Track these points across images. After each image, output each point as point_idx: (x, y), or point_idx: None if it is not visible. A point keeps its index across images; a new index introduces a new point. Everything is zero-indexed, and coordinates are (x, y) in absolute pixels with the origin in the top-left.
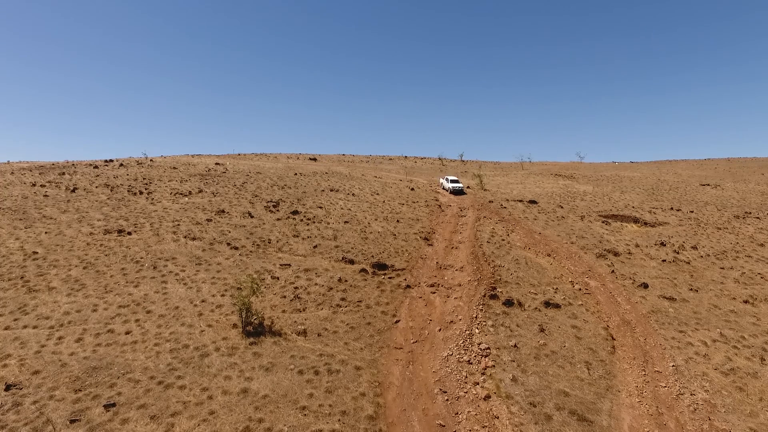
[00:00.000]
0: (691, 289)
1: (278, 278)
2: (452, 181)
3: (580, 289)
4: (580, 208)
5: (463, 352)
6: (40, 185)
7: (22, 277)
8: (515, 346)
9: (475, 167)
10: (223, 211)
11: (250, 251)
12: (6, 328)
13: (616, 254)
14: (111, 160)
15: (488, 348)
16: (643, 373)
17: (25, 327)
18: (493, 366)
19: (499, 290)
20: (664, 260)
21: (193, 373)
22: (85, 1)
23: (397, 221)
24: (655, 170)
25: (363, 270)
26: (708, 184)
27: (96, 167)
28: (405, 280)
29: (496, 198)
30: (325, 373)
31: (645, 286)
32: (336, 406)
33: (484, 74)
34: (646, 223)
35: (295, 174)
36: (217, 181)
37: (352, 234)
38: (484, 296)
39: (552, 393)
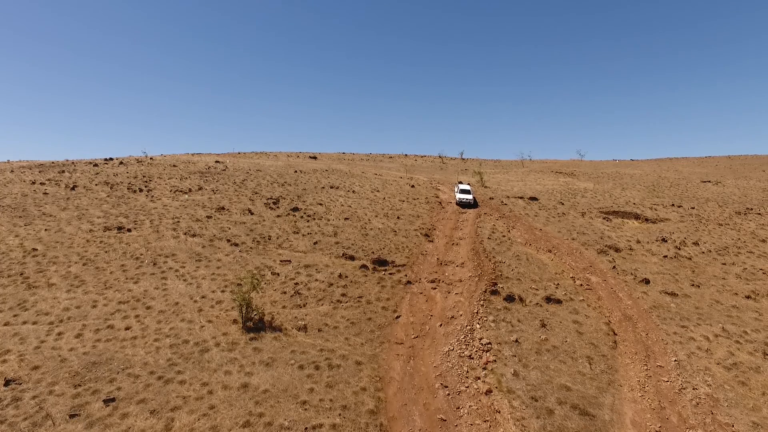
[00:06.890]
0: (693, 285)
1: (278, 274)
2: (461, 192)
3: (581, 285)
4: (580, 204)
5: (464, 347)
6: (40, 183)
7: (21, 274)
8: (516, 341)
9: (476, 165)
10: (223, 208)
11: (250, 248)
12: (6, 324)
13: (617, 250)
14: (111, 159)
15: (489, 343)
16: (645, 367)
17: (24, 323)
18: (495, 361)
19: (500, 286)
20: (665, 256)
21: (193, 368)
22: (85, 1)
23: (398, 218)
24: (656, 168)
25: (363, 266)
26: (709, 181)
27: (96, 165)
28: (405, 276)
29: (496, 195)
30: (325, 368)
31: (646, 281)
32: (337, 400)
33: (484, 73)
34: (647, 220)
35: (295, 171)
36: (217, 178)
37: (353, 230)
38: (485, 292)
39: (553, 387)
